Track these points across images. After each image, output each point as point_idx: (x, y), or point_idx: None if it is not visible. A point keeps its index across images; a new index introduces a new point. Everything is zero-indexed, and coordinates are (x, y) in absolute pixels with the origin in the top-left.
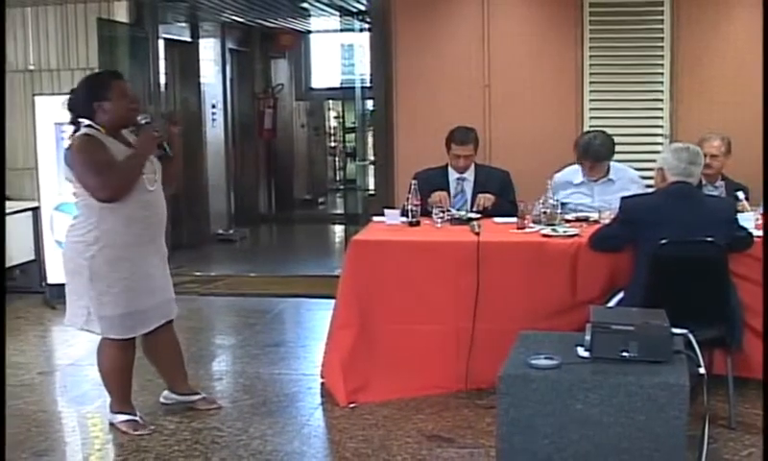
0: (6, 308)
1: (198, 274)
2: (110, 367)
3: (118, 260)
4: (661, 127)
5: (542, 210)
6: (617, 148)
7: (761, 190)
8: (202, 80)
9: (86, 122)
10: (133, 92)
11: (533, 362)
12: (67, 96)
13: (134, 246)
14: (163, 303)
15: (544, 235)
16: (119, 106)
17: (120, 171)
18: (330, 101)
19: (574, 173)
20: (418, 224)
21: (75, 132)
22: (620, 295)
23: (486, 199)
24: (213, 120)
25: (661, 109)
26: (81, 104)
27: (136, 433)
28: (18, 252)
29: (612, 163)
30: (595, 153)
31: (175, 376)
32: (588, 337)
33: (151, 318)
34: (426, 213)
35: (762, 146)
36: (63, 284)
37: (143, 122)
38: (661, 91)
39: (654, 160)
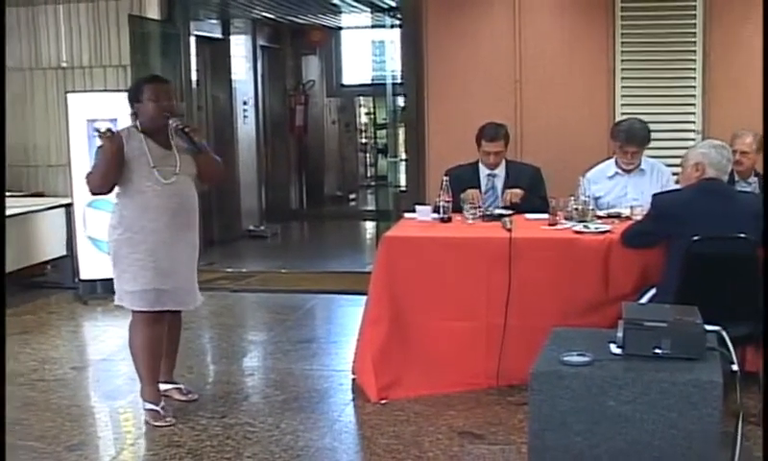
0: (22, 303)
1: (229, 270)
2: (139, 343)
3: (136, 243)
4: (693, 122)
5: (574, 207)
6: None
7: None
8: (233, 76)
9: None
10: (168, 97)
11: (565, 359)
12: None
13: (150, 231)
14: (182, 291)
15: (576, 232)
16: (148, 108)
17: (92, 173)
18: (361, 97)
19: (607, 166)
20: (449, 220)
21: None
22: (653, 291)
23: (513, 194)
24: (244, 117)
25: (694, 104)
26: (129, 103)
27: (157, 424)
28: (51, 247)
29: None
30: (639, 136)
31: (164, 362)
32: (620, 334)
33: (172, 298)
34: (458, 209)
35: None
36: (95, 280)
37: (174, 125)
38: (694, 86)
39: None
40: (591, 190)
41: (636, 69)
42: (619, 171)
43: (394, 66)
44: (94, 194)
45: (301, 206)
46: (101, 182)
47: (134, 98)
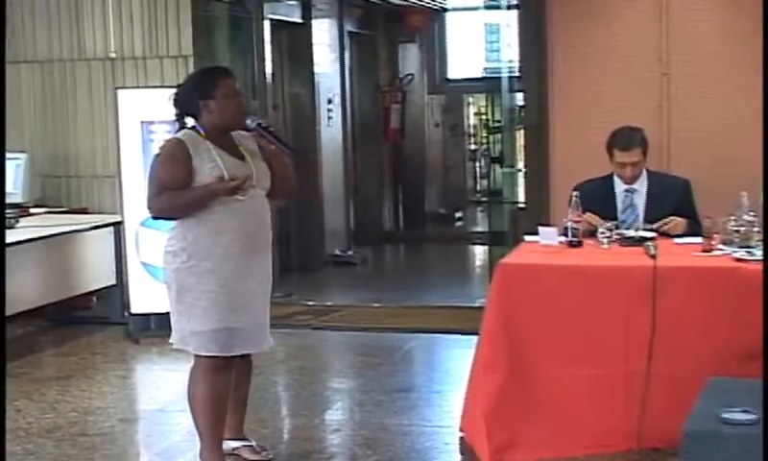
0: (62, 342)
1: (310, 303)
2: (202, 394)
3: (205, 272)
4: None
5: (734, 228)
6: None
7: None
8: (315, 69)
9: (191, 122)
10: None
11: (725, 416)
12: (174, 90)
13: (223, 257)
14: (258, 328)
15: (738, 259)
16: (224, 106)
17: (175, 199)
18: (471, 94)
19: None
20: (580, 244)
21: (179, 131)
22: None
23: (676, 224)
24: (329, 118)
25: None
26: (186, 100)
27: None
28: (96, 275)
29: None
30: None
31: (233, 415)
32: None
33: (246, 339)
34: (590, 232)
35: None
36: (149, 314)
37: (253, 125)
38: None
39: None
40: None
41: None
42: None
43: (510, 56)
44: (157, 218)
45: (397, 226)
46: (180, 213)
47: (206, 94)
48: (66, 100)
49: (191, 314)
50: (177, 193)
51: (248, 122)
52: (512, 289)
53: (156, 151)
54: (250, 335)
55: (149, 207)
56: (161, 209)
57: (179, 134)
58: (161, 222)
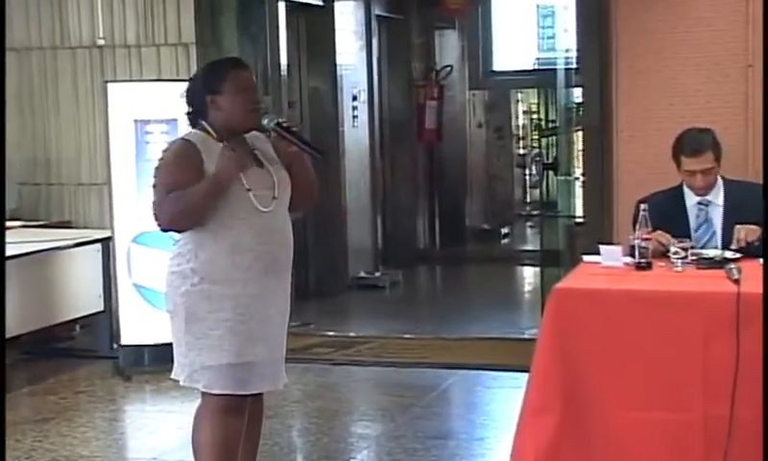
0: (40, 378)
1: (331, 334)
2: (210, 440)
3: (219, 297)
4: None
5: None
6: None
7: None
8: (338, 60)
9: (203, 122)
10: (255, 89)
11: None
12: (185, 84)
13: (241, 281)
14: (275, 363)
15: None
16: (234, 103)
17: (179, 202)
18: (520, 90)
19: None
20: (649, 266)
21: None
22: None
23: (749, 231)
24: (354, 117)
25: None
26: (194, 96)
27: None
28: (80, 300)
29: None
30: None
31: None
32: None
33: (264, 376)
34: (661, 253)
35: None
36: (143, 346)
37: (272, 125)
38: None
39: None
40: None
41: None
42: None
43: (567, 44)
44: (167, 230)
45: (433, 244)
46: (192, 220)
47: (214, 88)
48: (47, 94)
49: (203, 346)
50: (179, 195)
51: (264, 122)
52: (568, 318)
53: (159, 154)
54: (266, 371)
55: (155, 217)
56: (169, 218)
57: (181, 136)
58: (158, 238)
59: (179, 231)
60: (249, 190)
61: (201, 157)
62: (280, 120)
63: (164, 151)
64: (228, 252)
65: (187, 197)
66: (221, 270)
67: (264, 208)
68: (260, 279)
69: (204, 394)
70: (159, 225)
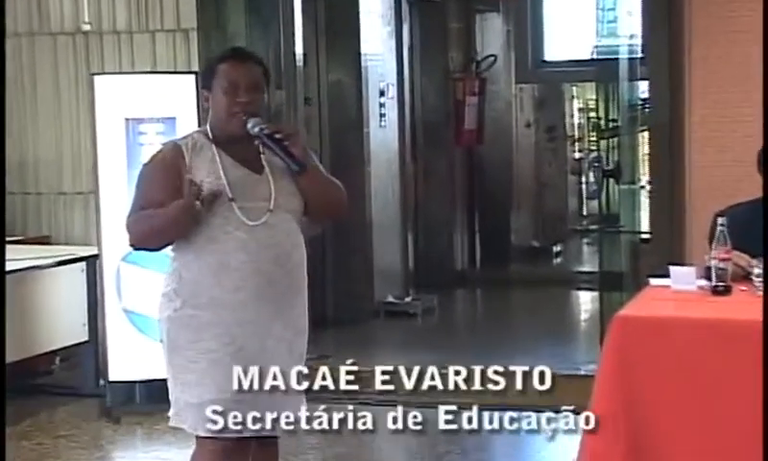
0: (15, 419)
1: (353, 368)
2: None
3: (202, 325)
4: None
5: None
6: None
7: None
8: (363, 50)
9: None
10: (253, 84)
11: None
12: None
13: (227, 306)
14: (281, 402)
15: None
16: (217, 104)
17: (142, 223)
18: (575, 84)
19: None
20: (727, 291)
21: None
22: None
23: None
24: (381, 116)
25: None
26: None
27: None
28: (62, 328)
29: None
30: None
31: None
32: None
33: (264, 416)
34: (742, 275)
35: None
36: (134, 382)
37: (254, 131)
38: None
39: None
40: None
41: None
42: None
43: (631, 29)
44: (137, 249)
45: (473, 264)
46: (155, 241)
47: (204, 84)
48: (23, 89)
49: (185, 381)
50: (149, 214)
51: (248, 126)
52: (633, 351)
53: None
54: (268, 410)
55: (127, 232)
56: (137, 237)
57: (182, 138)
58: (153, 257)
59: (153, 250)
60: (231, 200)
61: (183, 164)
62: (264, 127)
63: (152, 156)
64: (213, 272)
65: (155, 219)
66: (205, 292)
67: (251, 222)
68: (252, 304)
69: (197, 437)
70: (130, 242)
